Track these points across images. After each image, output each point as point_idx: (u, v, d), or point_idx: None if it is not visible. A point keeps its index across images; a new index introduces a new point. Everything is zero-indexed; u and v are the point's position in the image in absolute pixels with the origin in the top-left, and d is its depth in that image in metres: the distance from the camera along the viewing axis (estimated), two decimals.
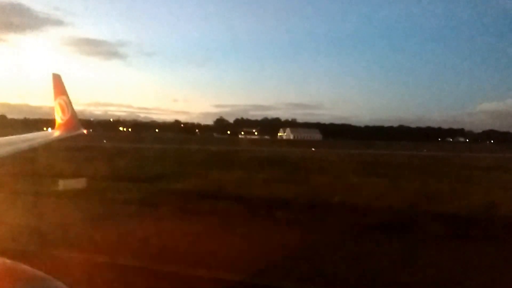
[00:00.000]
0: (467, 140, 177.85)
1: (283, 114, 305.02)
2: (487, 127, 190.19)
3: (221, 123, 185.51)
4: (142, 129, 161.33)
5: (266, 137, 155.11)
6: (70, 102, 16.63)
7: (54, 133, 16.37)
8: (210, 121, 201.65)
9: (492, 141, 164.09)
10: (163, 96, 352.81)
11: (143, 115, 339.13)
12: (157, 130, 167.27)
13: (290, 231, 11.16)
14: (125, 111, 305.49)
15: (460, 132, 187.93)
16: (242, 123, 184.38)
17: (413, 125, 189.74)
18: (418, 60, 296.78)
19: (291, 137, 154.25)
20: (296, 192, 17.16)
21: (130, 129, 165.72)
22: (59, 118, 16.55)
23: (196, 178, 20.85)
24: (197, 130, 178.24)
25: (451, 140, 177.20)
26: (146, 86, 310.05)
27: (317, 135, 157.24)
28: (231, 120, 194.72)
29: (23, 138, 13.26)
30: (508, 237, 10.95)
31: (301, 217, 12.68)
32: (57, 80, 16.56)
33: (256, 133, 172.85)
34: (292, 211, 13.19)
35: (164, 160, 31.89)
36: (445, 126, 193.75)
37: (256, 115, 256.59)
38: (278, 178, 21.89)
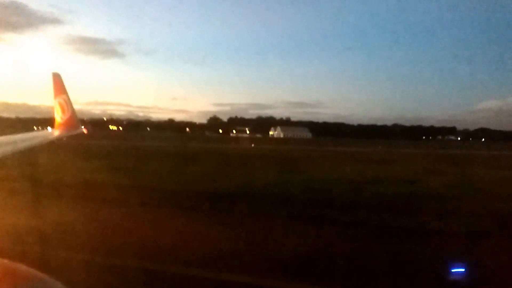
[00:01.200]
0: (459, 138, 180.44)
1: (282, 113, 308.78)
2: (480, 126, 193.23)
3: (215, 122, 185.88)
4: (135, 128, 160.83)
5: (258, 135, 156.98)
6: (70, 101, 16.81)
7: (54, 132, 16.54)
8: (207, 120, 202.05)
9: (483, 140, 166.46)
10: (162, 94, 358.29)
11: (142, 114, 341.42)
12: (148, 129, 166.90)
13: None
14: (124, 110, 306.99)
15: (452, 130, 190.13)
16: (236, 122, 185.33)
17: (407, 124, 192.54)
18: (416, 59, 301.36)
19: (281, 135, 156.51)
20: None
21: (121, 128, 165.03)
22: (58, 117, 16.70)
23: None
24: (187, 129, 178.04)
25: (440, 138, 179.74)
26: (144, 85, 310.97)
27: (306, 134, 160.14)
28: (227, 118, 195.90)
29: (22, 138, 13.42)
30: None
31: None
32: (57, 79, 16.72)
33: (247, 132, 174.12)
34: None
35: (93, 154, 31.77)
36: (437, 125, 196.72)
37: (254, 113, 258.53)
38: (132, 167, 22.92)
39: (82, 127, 17.15)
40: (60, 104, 16.71)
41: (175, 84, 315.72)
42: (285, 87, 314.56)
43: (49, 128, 18.05)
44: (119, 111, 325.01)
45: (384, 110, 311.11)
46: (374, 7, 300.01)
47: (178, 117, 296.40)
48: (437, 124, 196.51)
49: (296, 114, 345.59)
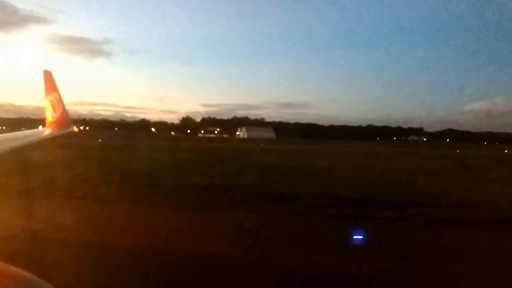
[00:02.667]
0: (424, 139, 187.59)
1: (270, 114, 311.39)
2: (447, 127, 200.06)
3: (187, 122, 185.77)
4: (106, 127, 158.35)
5: (225, 135, 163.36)
6: (61, 100, 16.70)
7: (45, 131, 16.44)
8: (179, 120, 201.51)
9: (448, 140, 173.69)
10: (150, 95, 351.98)
11: (129, 114, 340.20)
12: (116, 129, 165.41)
13: None
14: (111, 110, 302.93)
15: (419, 131, 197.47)
16: (210, 122, 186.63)
17: (380, 124, 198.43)
18: (405, 61, 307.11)
19: (246, 135, 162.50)
20: None
21: (87, 128, 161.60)
22: (50, 115, 16.60)
23: None
24: (152, 129, 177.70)
25: (403, 138, 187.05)
26: (132, 85, 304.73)
27: (270, 134, 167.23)
28: (219, 117, 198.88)
29: (12, 137, 13.41)
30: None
31: None
32: (48, 77, 16.59)
33: (216, 132, 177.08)
34: None
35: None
36: (405, 125, 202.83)
37: (243, 114, 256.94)
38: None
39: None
40: (52, 102, 16.58)
41: (163, 84, 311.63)
42: (274, 88, 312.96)
43: (40, 126, 17.87)
44: (106, 111, 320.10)
45: (372, 111, 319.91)
46: (361, 9, 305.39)
47: (166, 117, 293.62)
48: (399, 125, 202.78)
49: (285, 115, 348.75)
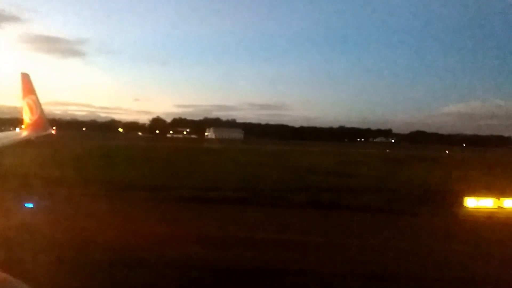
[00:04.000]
0: (393, 141, 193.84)
1: (246, 115, 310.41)
2: (416, 129, 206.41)
3: (157, 123, 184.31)
4: (74, 128, 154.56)
5: (193, 136, 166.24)
6: (38, 102, 17.21)
7: (22, 133, 16.87)
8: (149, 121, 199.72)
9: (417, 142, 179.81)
10: (125, 95, 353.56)
11: (104, 115, 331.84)
12: (84, 129, 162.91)
13: None
14: (85, 111, 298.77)
15: (388, 132, 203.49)
16: (179, 123, 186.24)
17: (351, 126, 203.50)
18: (375, 64, 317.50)
19: (213, 136, 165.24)
20: None
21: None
22: (27, 118, 17.05)
23: None
24: (120, 129, 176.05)
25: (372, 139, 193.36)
26: (106, 85, 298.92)
27: (238, 135, 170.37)
28: (192, 118, 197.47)
29: None
30: None
31: None
32: (26, 80, 17.05)
33: (184, 133, 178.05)
34: None
35: None
36: (374, 127, 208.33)
37: (219, 115, 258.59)
38: None
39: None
40: (29, 105, 17.06)
41: (138, 85, 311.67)
42: (251, 89, 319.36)
43: (17, 129, 18.16)
44: (80, 112, 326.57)
45: (346, 113, 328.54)
46: (336, 12, 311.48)
47: (141, 118, 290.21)
48: (369, 127, 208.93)
49: (260, 116, 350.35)
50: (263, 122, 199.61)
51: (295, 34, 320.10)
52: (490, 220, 19.84)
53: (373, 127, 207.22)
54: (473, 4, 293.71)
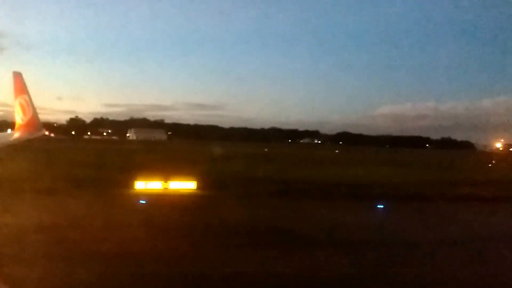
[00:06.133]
0: (319, 142, 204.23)
1: (182, 115, 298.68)
2: (342, 130, 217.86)
3: (75, 123, 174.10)
4: None
5: (114, 137, 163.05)
6: (31, 102, 17.02)
7: (14, 134, 16.61)
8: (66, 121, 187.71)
9: (341, 142, 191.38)
10: (46, 93, 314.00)
11: None
12: None
13: None
14: (2, 110, 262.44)
15: (315, 133, 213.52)
16: (101, 123, 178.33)
17: (283, 127, 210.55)
18: (309, 66, 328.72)
19: (135, 137, 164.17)
20: None
21: None
22: (19, 118, 16.80)
23: None
24: None
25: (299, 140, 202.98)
26: (26, 82, 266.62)
27: (161, 135, 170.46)
28: (121, 118, 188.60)
29: None
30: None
31: None
32: (18, 79, 16.81)
33: (104, 134, 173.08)
34: None
35: None
36: (301, 128, 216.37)
37: (153, 115, 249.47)
38: None
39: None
40: (21, 105, 16.84)
41: (62, 83, 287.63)
42: (187, 88, 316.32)
43: (9, 130, 17.49)
44: None
45: (279, 114, 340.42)
46: (274, 11, 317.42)
47: (66, 118, 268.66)
48: (297, 128, 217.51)
49: (197, 117, 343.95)
50: (192, 123, 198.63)
51: (233, 35, 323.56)
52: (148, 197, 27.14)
53: (302, 128, 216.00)
54: (404, 6, 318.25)
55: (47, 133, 17.95)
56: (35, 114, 17.18)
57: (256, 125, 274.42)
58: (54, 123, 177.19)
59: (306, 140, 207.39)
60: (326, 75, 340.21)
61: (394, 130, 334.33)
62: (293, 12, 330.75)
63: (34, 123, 17.22)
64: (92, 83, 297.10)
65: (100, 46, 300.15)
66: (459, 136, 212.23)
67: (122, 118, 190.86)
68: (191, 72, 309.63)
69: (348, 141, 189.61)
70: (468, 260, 16.26)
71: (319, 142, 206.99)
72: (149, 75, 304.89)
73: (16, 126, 16.78)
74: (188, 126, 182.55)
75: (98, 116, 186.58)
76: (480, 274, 14.53)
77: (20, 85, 16.88)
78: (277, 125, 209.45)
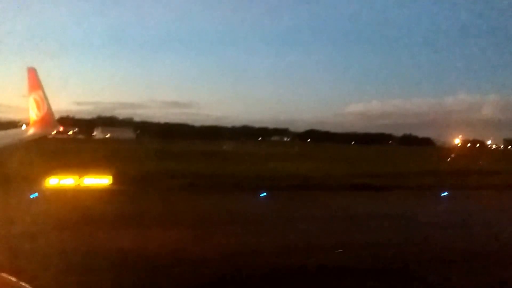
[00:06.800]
0: (288, 139, 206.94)
1: (154, 113, 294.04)
2: (310, 128, 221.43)
3: None
4: None
5: (80, 136, 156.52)
6: (46, 98, 16.86)
7: (29, 130, 16.42)
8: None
9: (309, 140, 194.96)
10: (11, 90, 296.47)
11: None
12: None
13: None
14: None
15: (285, 131, 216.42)
16: (66, 122, 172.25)
17: (252, 125, 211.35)
18: (279, 65, 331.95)
19: (101, 136, 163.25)
20: None
21: None
22: (34, 114, 16.61)
23: None
24: None
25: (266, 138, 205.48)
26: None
27: (129, 134, 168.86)
28: (89, 117, 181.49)
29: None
30: None
31: None
32: (32, 74, 16.66)
33: (70, 133, 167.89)
34: None
35: None
36: (272, 126, 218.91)
37: (123, 113, 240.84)
38: None
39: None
40: (36, 101, 16.70)
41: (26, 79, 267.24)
42: (160, 86, 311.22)
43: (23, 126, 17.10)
44: None
45: (260, 112, 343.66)
46: (244, 9, 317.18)
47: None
48: (266, 126, 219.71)
49: (169, 115, 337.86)
50: (162, 121, 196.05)
51: (205, 34, 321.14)
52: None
53: (272, 126, 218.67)
54: (371, 7, 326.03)
55: (61, 129, 17.69)
56: (49, 110, 17.06)
57: (229, 123, 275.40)
58: (18, 122, 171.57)
59: (275, 138, 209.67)
60: (297, 74, 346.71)
61: (361, 127, 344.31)
62: (261, 10, 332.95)
63: (49, 119, 17.11)
64: (60, 81, 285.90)
65: (66, 41, 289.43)
66: (421, 133, 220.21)
67: (89, 117, 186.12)
68: (164, 70, 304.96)
69: (316, 138, 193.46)
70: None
71: (288, 139, 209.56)
72: (120, 72, 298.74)
73: (31, 122, 16.58)
74: (157, 125, 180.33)
75: (66, 115, 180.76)
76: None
77: (34, 81, 16.77)
78: (249, 123, 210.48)
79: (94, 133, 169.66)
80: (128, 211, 22.77)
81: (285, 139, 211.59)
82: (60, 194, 28.54)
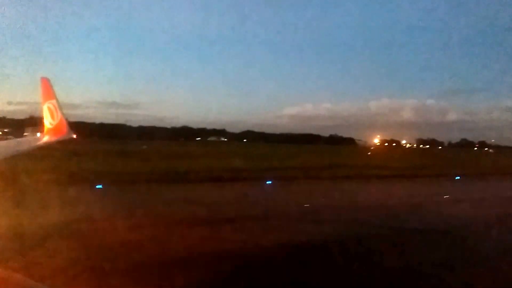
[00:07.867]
0: (225, 139, 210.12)
1: (92, 114, 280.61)
2: (246, 128, 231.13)
3: None
4: None
5: (10, 137, 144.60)
6: (59, 106, 17.69)
7: (43, 138, 17.21)
8: None
9: (245, 140, 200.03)
10: None
11: None
12: None
13: None
14: None
15: (222, 132, 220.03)
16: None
17: (191, 125, 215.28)
18: (220, 67, 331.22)
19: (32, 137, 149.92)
20: None
21: None
22: (48, 123, 17.39)
23: None
24: None
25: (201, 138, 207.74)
26: None
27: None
28: (21, 117, 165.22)
29: (8, 144, 15.12)
30: None
31: None
32: (46, 84, 17.43)
33: (1, 133, 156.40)
34: None
35: None
36: (210, 127, 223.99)
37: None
38: None
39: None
40: (49, 109, 17.56)
41: None
42: (99, 86, 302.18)
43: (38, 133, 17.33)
44: None
45: (197, 113, 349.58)
46: (187, 10, 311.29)
47: None
48: (205, 127, 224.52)
49: (108, 116, 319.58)
50: (98, 121, 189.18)
51: (146, 35, 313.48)
52: None
53: (210, 127, 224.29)
54: (301, 16, 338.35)
55: (74, 136, 18.68)
56: (63, 118, 18.01)
57: (168, 123, 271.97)
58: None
59: (212, 138, 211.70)
60: (236, 78, 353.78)
61: (295, 128, 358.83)
62: (202, 13, 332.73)
63: (63, 127, 18.06)
64: None
65: (9, 40, 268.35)
66: (346, 134, 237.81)
67: (22, 117, 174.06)
68: (106, 70, 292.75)
69: (252, 139, 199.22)
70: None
71: (225, 140, 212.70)
72: (60, 72, 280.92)
73: (45, 130, 17.48)
74: (93, 125, 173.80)
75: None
76: None
77: (48, 91, 17.77)
78: (188, 124, 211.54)
79: (25, 134, 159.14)
80: None
81: (222, 139, 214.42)
82: None
